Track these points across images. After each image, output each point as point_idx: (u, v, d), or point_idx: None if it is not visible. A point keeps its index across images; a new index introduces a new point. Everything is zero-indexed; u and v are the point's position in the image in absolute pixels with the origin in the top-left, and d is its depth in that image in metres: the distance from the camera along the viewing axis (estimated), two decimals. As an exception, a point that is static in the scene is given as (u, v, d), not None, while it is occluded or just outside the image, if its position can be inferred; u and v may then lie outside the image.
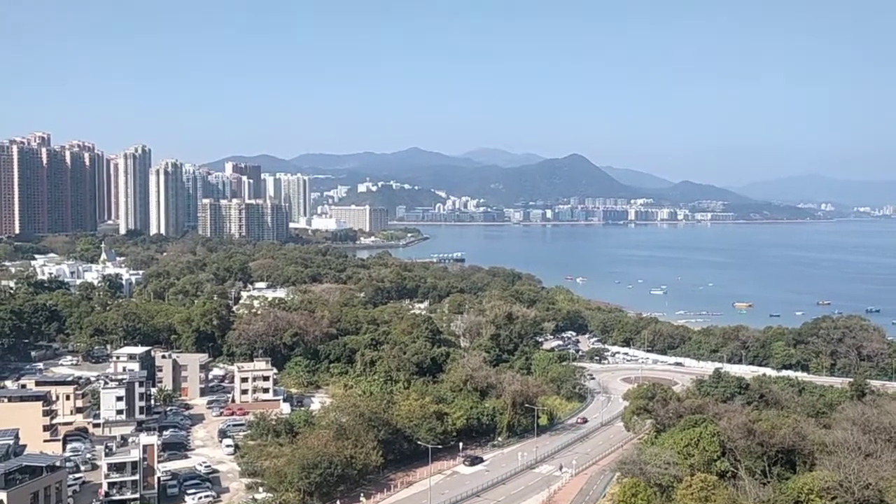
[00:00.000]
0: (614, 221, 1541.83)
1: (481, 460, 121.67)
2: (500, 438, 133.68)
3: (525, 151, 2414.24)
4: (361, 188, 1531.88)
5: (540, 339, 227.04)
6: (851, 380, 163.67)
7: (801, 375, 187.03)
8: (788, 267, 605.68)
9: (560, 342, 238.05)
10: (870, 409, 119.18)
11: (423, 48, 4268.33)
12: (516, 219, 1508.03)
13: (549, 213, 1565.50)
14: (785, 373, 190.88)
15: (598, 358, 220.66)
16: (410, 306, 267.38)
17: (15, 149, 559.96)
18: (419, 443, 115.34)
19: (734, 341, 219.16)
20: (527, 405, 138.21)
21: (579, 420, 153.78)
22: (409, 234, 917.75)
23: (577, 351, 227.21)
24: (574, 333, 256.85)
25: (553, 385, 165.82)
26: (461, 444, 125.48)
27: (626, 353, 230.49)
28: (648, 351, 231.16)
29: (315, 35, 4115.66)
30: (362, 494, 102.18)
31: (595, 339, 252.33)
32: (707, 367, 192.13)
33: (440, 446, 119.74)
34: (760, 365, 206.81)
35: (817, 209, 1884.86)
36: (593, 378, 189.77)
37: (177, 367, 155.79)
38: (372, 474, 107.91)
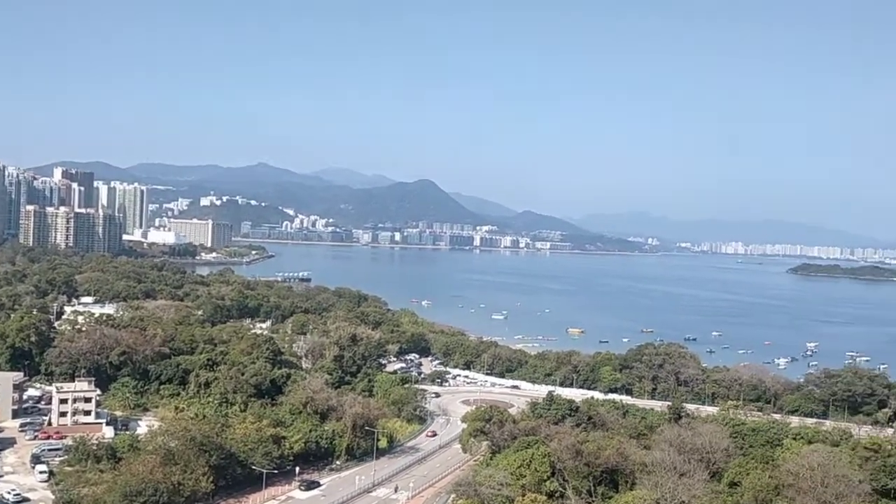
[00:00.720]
0: (460, 246, 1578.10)
1: (318, 485, 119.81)
2: (338, 462, 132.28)
3: (376, 173, 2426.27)
4: (205, 202, 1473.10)
5: (383, 362, 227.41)
6: (670, 403, 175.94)
7: (625, 399, 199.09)
8: (618, 296, 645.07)
9: (403, 365, 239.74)
10: (685, 431, 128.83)
11: (274, 62, 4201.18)
12: (365, 240, 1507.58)
13: (397, 236, 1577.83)
14: (611, 396, 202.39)
15: (439, 381, 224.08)
16: (251, 326, 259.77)
17: None
18: (254, 467, 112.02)
19: (567, 365, 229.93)
20: (367, 428, 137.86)
21: (429, 433, 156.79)
22: (253, 252, 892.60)
23: (420, 373, 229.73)
24: (417, 356, 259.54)
25: (394, 408, 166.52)
26: (298, 468, 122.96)
27: (467, 376, 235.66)
28: (488, 374, 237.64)
29: (151, 35, 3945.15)
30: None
31: (437, 361, 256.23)
32: (542, 390, 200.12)
33: (276, 471, 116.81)
34: (590, 388, 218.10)
35: (644, 243, 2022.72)
36: (438, 396, 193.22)
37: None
38: (201, 501, 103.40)
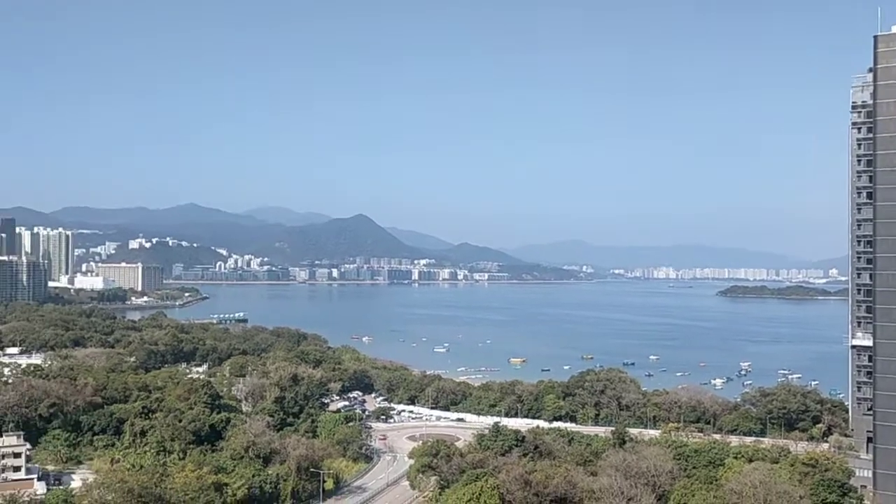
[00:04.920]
0: (399, 281, 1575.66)
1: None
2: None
3: (310, 210, 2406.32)
4: (133, 244, 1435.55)
5: (326, 401, 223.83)
6: (613, 429, 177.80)
7: (570, 426, 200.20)
8: (556, 324, 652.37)
9: (346, 402, 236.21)
10: (630, 455, 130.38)
11: (196, 101, 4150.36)
12: (302, 278, 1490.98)
13: (335, 273, 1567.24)
14: (556, 424, 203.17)
15: (384, 417, 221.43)
16: (188, 370, 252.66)
17: None
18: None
19: (510, 395, 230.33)
20: (312, 469, 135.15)
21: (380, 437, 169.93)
22: (186, 294, 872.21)
23: (364, 411, 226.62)
24: (360, 393, 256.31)
25: (339, 447, 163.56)
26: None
27: (412, 411, 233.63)
28: (433, 408, 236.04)
29: (71, 79, 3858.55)
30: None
31: (381, 398, 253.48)
32: (487, 422, 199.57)
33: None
34: (534, 417, 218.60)
35: (580, 271, 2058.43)
36: (384, 438, 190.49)
37: None
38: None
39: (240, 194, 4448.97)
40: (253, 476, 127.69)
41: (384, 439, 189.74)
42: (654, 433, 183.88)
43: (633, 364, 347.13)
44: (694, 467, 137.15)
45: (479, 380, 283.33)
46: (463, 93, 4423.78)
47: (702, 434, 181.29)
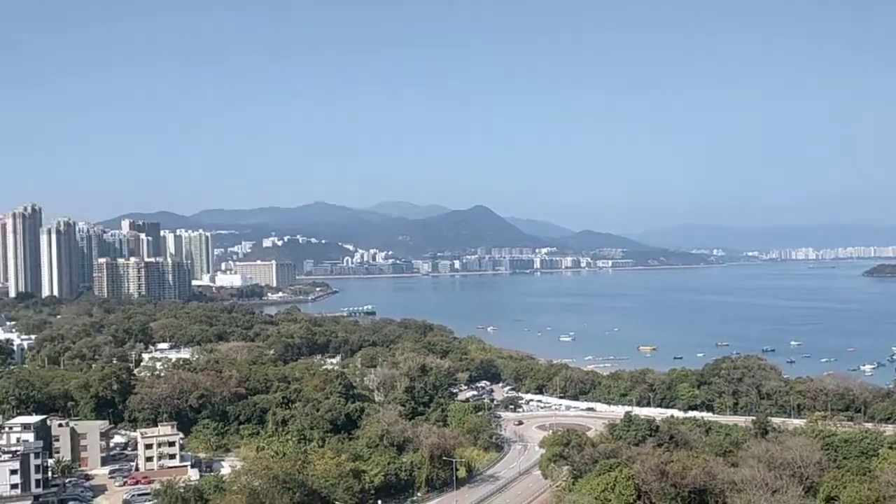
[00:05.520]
0: (521, 270, 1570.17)
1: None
2: (419, 494, 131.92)
3: (431, 203, 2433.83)
4: (267, 243, 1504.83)
5: (455, 390, 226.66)
6: (754, 418, 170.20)
7: (706, 415, 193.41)
8: (687, 310, 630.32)
9: (475, 392, 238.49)
10: (773, 445, 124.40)
11: (322, 104, 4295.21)
12: (425, 270, 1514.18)
13: (457, 264, 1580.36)
14: (691, 413, 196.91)
15: (512, 406, 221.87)
16: (322, 362, 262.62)
17: None
18: (336, 502, 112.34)
19: (642, 384, 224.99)
20: (444, 458, 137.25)
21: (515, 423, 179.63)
22: (317, 289, 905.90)
23: (492, 400, 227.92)
24: (488, 383, 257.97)
25: (470, 436, 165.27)
26: (380, 501, 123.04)
27: (540, 401, 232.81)
28: (561, 397, 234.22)
29: (210, 90, 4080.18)
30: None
31: (509, 387, 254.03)
32: (618, 411, 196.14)
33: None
34: (668, 407, 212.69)
35: (710, 255, 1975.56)
36: (521, 423, 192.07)
37: (75, 436, 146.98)
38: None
39: (364, 191, 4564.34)
40: (388, 464, 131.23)
41: (520, 425, 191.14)
42: (798, 422, 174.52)
43: (773, 350, 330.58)
44: (844, 458, 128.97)
45: (608, 368, 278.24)
46: (586, 81, 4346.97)
47: (851, 423, 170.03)
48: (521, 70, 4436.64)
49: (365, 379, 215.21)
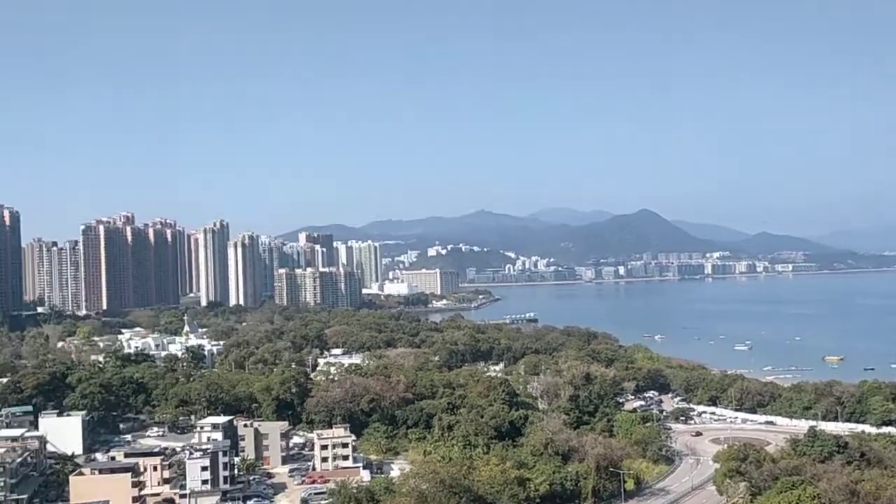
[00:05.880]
0: (690, 276, 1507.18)
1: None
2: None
3: (593, 209, 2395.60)
4: (431, 252, 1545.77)
5: (621, 400, 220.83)
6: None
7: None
8: (879, 317, 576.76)
9: (642, 402, 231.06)
10: None
11: (484, 113, 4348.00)
12: (588, 276, 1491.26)
13: (621, 270, 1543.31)
14: (886, 429, 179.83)
15: (683, 418, 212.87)
16: (486, 369, 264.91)
17: (102, 228, 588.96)
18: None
19: (828, 397, 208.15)
20: (611, 469, 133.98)
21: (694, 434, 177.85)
22: (480, 296, 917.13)
23: (661, 411, 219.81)
24: (656, 393, 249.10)
25: (638, 448, 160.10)
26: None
27: (713, 413, 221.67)
28: (737, 409, 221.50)
29: (376, 107, 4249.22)
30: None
31: (679, 398, 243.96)
32: (800, 426, 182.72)
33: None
34: (857, 422, 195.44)
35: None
36: (699, 434, 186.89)
37: (258, 436, 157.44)
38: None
39: (525, 198, 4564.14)
40: (553, 472, 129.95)
41: (698, 436, 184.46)
42: None
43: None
44: None
45: (789, 380, 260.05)
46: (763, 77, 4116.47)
47: None
48: (693, 71, 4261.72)
49: (528, 386, 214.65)
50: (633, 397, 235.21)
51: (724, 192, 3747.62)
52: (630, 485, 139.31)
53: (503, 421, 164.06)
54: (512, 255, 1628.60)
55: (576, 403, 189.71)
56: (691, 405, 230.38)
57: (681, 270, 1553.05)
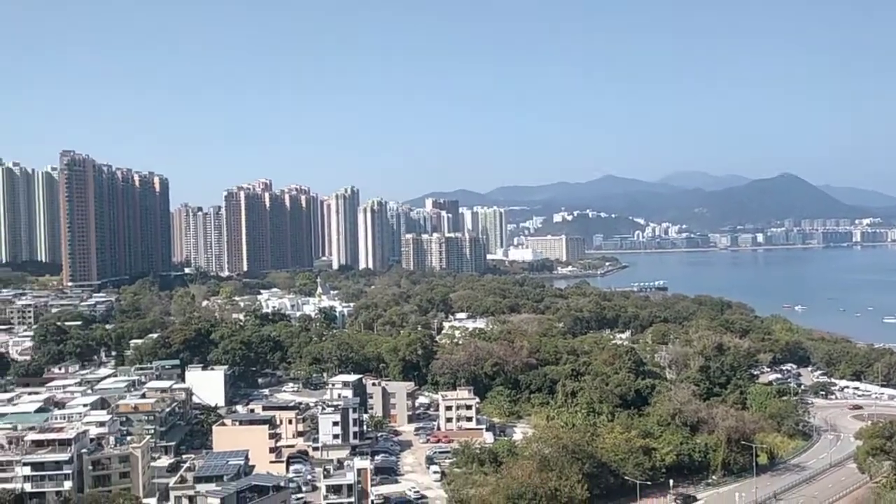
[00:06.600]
0: (836, 244, 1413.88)
1: (694, 499, 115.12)
2: (714, 477, 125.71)
3: (729, 173, 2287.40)
4: (556, 218, 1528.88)
5: (755, 372, 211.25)
6: None
7: None
8: None
9: (778, 375, 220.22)
10: None
11: (615, 74, 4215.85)
12: (723, 244, 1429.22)
13: (759, 237, 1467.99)
14: None
15: (823, 393, 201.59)
16: (611, 336, 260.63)
17: (242, 195, 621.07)
18: (626, 478, 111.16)
19: None
20: (743, 442, 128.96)
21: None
22: (606, 263, 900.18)
23: (799, 385, 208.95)
24: (794, 366, 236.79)
25: (772, 422, 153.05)
26: (671, 481, 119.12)
27: (857, 388, 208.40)
28: (883, 385, 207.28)
29: (504, 73, 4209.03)
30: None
31: (819, 372, 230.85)
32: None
33: (648, 482, 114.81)
34: None
35: None
36: (860, 408, 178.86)
37: (386, 395, 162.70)
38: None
39: (655, 162, 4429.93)
40: (681, 443, 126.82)
41: (857, 409, 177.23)
42: None
43: None
44: None
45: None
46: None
47: None
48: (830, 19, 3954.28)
49: (655, 356, 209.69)
50: (768, 370, 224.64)
51: (874, 153, 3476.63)
52: (763, 459, 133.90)
53: (629, 389, 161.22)
54: (641, 221, 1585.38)
55: (706, 374, 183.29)
56: (832, 379, 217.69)
57: (826, 238, 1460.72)
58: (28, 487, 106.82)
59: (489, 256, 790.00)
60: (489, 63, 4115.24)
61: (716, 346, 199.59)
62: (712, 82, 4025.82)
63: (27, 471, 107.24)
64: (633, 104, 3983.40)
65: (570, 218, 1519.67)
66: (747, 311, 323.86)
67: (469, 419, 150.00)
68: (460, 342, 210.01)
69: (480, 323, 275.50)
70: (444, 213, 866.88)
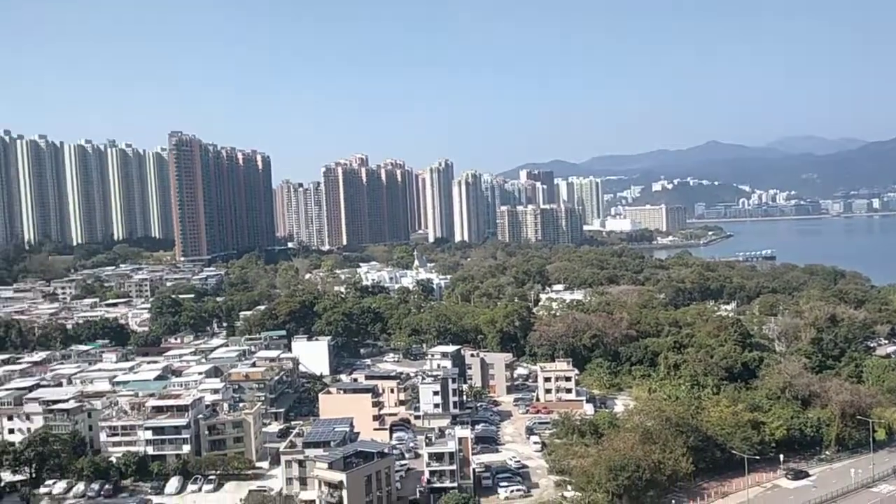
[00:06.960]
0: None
1: (807, 475, 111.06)
2: (827, 452, 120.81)
3: (842, 136, 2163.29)
4: (656, 187, 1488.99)
5: (871, 345, 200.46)
6: None
7: None
8: None
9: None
10: None
11: (726, 34, 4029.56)
12: (835, 211, 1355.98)
13: (876, 203, 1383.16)
14: None
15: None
16: (715, 308, 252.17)
17: (340, 170, 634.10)
18: (733, 452, 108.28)
19: None
20: (858, 417, 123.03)
21: None
22: (709, 233, 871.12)
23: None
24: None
25: (891, 396, 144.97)
26: (781, 456, 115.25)
27: None
28: None
29: (600, 40, 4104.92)
30: (674, 502, 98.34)
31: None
32: None
33: (757, 457, 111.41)
34: None
35: None
36: None
37: (484, 366, 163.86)
38: (682, 482, 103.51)
39: (762, 127, 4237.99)
40: (792, 418, 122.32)
41: None
42: None
43: None
44: None
45: None
46: None
47: None
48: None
49: (763, 328, 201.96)
50: (886, 342, 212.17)
51: None
52: (881, 434, 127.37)
53: (735, 362, 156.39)
54: (746, 188, 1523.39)
55: (819, 347, 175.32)
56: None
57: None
58: (150, 450, 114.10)
59: (585, 227, 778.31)
60: (580, 32, 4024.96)
61: (828, 317, 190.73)
62: (825, 43, 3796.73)
63: (149, 435, 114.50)
64: (743, 67, 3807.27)
65: (670, 186, 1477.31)
66: (862, 281, 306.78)
67: (568, 391, 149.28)
68: (558, 314, 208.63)
69: (578, 294, 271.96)
70: (538, 184, 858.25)
